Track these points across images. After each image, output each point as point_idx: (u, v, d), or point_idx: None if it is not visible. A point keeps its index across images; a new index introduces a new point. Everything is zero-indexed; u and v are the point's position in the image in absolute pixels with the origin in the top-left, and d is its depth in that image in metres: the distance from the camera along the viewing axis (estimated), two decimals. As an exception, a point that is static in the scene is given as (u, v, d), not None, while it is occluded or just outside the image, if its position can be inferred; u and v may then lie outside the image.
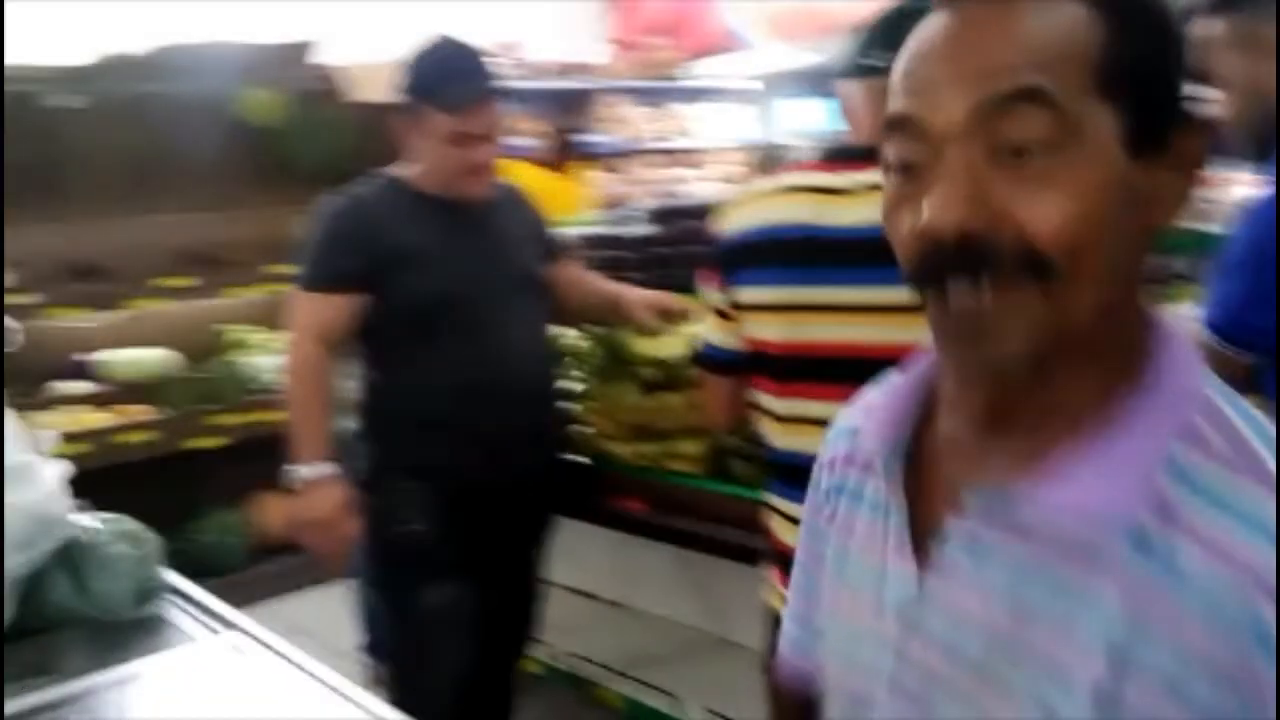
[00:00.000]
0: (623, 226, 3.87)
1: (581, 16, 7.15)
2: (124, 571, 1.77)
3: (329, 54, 4.94)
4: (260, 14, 5.23)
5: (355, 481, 2.52)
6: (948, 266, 0.74)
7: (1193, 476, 0.72)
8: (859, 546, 0.93)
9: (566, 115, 6.19)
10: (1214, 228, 2.05)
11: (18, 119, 4.01)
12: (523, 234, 2.72)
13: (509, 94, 2.89)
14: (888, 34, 1.68)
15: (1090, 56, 0.73)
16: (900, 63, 0.80)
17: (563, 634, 3.34)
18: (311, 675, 1.53)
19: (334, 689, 1.49)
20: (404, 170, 2.61)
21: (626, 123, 6.93)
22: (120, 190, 4.44)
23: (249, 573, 4.34)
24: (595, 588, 3.36)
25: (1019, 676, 0.76)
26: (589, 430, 2.93)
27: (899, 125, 0.78)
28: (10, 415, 1.76)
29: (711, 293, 1.96)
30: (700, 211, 3.32)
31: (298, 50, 4.86)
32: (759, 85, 7.13)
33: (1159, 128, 0.75)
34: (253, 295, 4.56)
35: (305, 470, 2.44)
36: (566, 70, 6.65)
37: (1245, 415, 0.76)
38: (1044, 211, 0.72)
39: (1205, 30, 1.90)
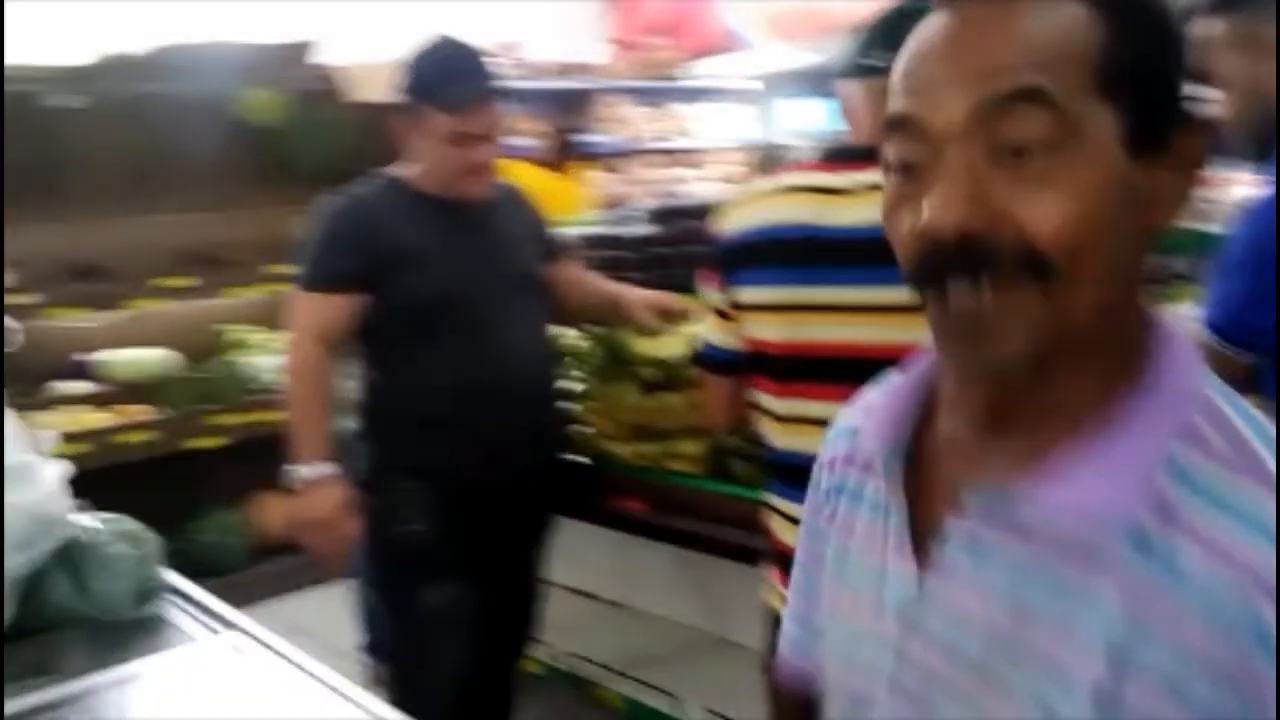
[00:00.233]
0: (623, 226, 3.87)
1: (581, 16, 7.15)
2: (124, 571, 1.77)
3: (329, 54, 4.94)
4: (260, 14, 5.23)
5: (355, 481, 2.52)
6: (948, 266, 0.74)
7: (1193, 476, 0.72)
8: (859, 546, 0.93)
9: (566, 115, 6.19)
10: (1214, 228, 2.05)
11: (18, 119, 4.01)
12: (523, 234, 2.72)
13: (509, 94, 2.89)
14: (888, 34, 1.68)
15: (1090, 56, 0.73)
16: (900, 63, 0.80)
17: (563, 634, 3.34)
18: (311, 675, 1.53)
19: (334, 689, 1.49)
20: (404, 170, 2.61)
21: (626, 123, 6.93)
22: (120, 190, 4.44)
23: (249, 573, 4.34)
24: (595, 588, 3.36)
25: (1019, 676, 0.76)
26: (589, 430, 2.93)
27: (899, 125, 0.78)
28: (10, 415, 1.76)
29: (711, 293, 1.96)
30: (700, 211, 3.32)
31: (297, 50, 4.86)
32: (759, 85, 7.13)
33: (1159, 128, 0.75)
34: (253, 295, 4.56)
35: (305, 470, 2.44)
36: (566, 70, 6.65)
37: (1245, 415, 0.76)
38: (1044, 211, 0.72)
39: (1205, 30, 1.90)
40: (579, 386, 2.98)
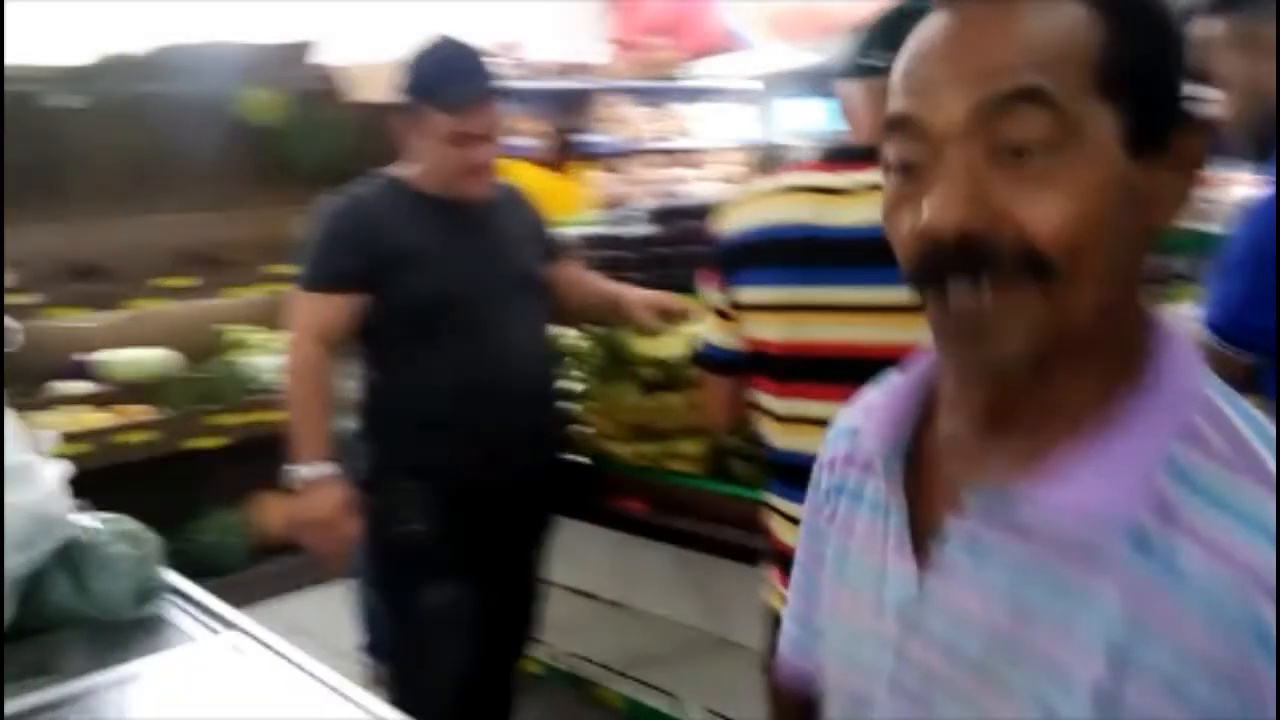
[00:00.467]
0: (622, 227, 3.87)
1: (581, 17, 7.15)
2: (124, 571, 1.77)
3: (328, 54, 4.93)
4: (259, 15, 5.23)
5: (355, 481, 2.52)
6: (948, 266, 0.74)
7: (1193, 476, 0.72)
8: (859, 546, 0.93)
9: (566, 115, 6.19)
10: (1214, 228, 2.05)
11: (18, 119, 4.01)
12: (523, 234, 2.72)
13: (509, 94, 2.89)
14: (888, 34, 1.68)
15: (1090, 56, 0.73)
16: (900, 63, 0.80)
17: (563, 634, 3.34)
18: (311, 675, 1.53)
19: (334, 689, 1.48)
20: (404, 170, 2.61)
21: (626, 123, 6.93)
22: (120, 190, 4.44)
23: (249, 573, 4.34)
24: (595, 588, 3.36)
25: (1019, 676, 0.76)
26: (589, 430, 2.93)
27: (899, 125, 0.78)
28: (10, 415, 1.76)
29: (711, 293, 1.96)
30: (700, 211, 3.31)
31: (297, 50, 4.86)
32: (759, 85, 7.13)
33: (1159, 128, 0.75)
34: (253, 295, 4.56)
35: (304, 470, 2.44)
36: (566, 70, 6.65)
37: (1245, 415, 0.76)
38: (1044, 211, 0.72)
39: (1205, 30, 1.90)
40: (579, 386, 2.98)
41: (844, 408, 1.04)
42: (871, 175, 1.68)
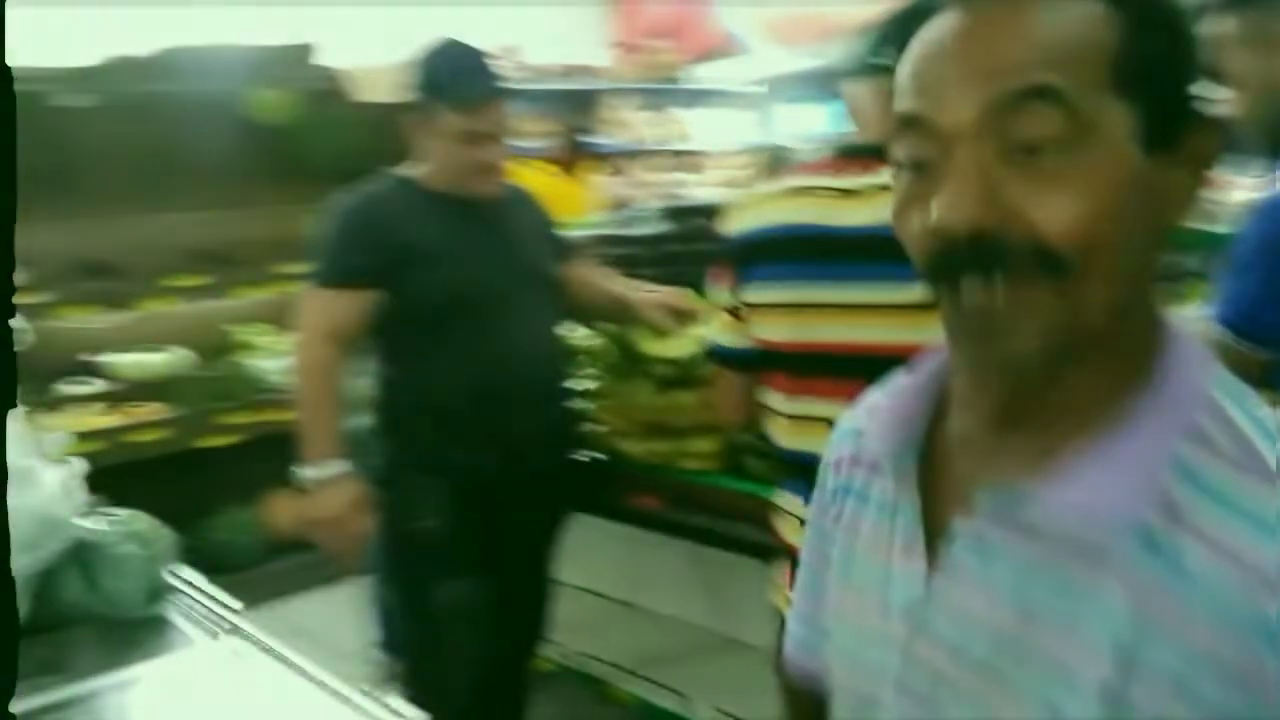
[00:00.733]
0: (629, 228, 3.86)
1: (583, 20, 7.15)
2: (134, 570, 1.78)
3: (333, 57, 4.94)
4: (264, 18, 5.23)
5: (370, 478, 2.52)
6: (960, 264, 0.74)
7: (1200, 476, 0.72)
8: (865, 547, 0.93)
9: (571, 117, 6.19)
10: (1226, 225, 2.05)
11: (28, 119, 3.94)
12: (533, 233, 2.73)
13: (516, 94, 2.89)
14: (897, 33, 1.67)
15: (1103, 53, 0.73)
16: (910, 61, 0.79)
17: (575, 633, 3.34)
18: (316, 680, 1.52)
19: (338, 693, 1.48)
20: (414, 169, 2.62)
21: (629, 125, 6.92)
22: (131, 190, 4.44)
23: (261, 570, 4.35)
24: (607, 587, 3.36)
25: (1025, 677, 0.76)
26: (602, 428, 2.93)
27: (909, 124, 0.78)
28: (15, 417, 1.76)
29: (722, 292, 1.95)
30: (712, 209, 3.31)
31: (303, 51, 4.86)
32: (761, 89, 7.12)
33: (1172, 125, 0.75)
34: (263, 295, 4.56)
35: (313, 470, 2.45)
36: (570, 73, 6.65)
37: (1252, 415, 0.75)
38: (1056, 209, 0.72)
39: (1217, 28, 1.89)
40: (592, 384, 2.98)
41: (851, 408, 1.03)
42: (880, 176, 1.68)
